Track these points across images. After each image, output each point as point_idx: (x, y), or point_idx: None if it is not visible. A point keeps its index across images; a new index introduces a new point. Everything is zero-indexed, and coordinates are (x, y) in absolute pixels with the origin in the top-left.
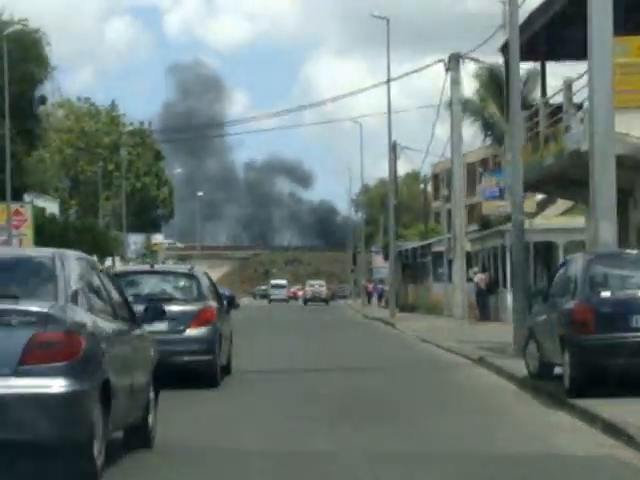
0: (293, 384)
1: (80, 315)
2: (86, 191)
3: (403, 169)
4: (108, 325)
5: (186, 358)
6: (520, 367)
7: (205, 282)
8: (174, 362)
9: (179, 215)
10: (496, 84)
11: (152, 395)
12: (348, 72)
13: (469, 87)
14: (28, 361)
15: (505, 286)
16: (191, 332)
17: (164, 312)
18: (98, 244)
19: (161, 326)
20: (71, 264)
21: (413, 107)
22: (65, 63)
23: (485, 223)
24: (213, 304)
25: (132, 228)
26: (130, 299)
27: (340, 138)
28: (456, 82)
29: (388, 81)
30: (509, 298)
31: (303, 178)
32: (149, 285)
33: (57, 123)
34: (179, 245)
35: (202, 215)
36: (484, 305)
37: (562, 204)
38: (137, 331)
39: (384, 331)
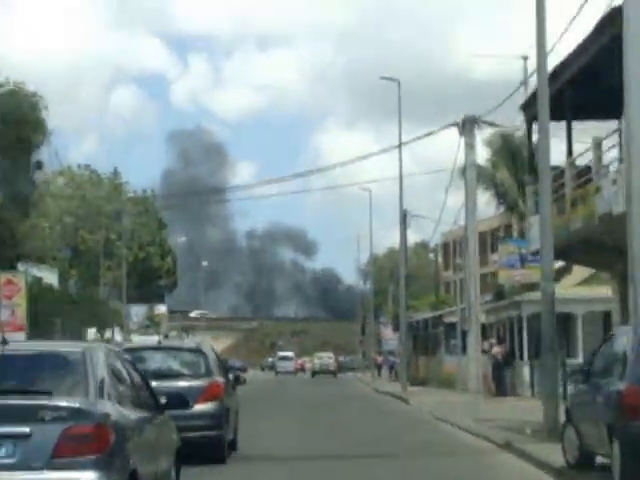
0: (300, 472)
1: (108, 408)
2: (87, 261)
3: (412, 238)
4: (134, 415)
5: (193, 434)
6: (554, 453)
7: (212, 357)
8: (182, 438)
9: (180, 284)
10: (509, 151)
11: (174, 476)
12: (355, 143)
13: (481, 155)
14: (60, 454)
15: (522, 359)
16: (198, 408)
17: (187, 402)
18: (97, 315)
19: None
20: (99, 358)
21: (423, 173)
22: (69, 131)
23: (498, 293)
24: (220, 379)
25: (135, 299)
26: None
27: (347, 207)
28: (470, 146)
29: (399, 145)
30: (526, 372)
31: (307, 247)
32: (157, 361)
33: (57, 191)
34: (212, 316)
35: (204, 284)
36: (500, 379)
37: (579, 274)
38: (160, 417)
39: (396, 408)
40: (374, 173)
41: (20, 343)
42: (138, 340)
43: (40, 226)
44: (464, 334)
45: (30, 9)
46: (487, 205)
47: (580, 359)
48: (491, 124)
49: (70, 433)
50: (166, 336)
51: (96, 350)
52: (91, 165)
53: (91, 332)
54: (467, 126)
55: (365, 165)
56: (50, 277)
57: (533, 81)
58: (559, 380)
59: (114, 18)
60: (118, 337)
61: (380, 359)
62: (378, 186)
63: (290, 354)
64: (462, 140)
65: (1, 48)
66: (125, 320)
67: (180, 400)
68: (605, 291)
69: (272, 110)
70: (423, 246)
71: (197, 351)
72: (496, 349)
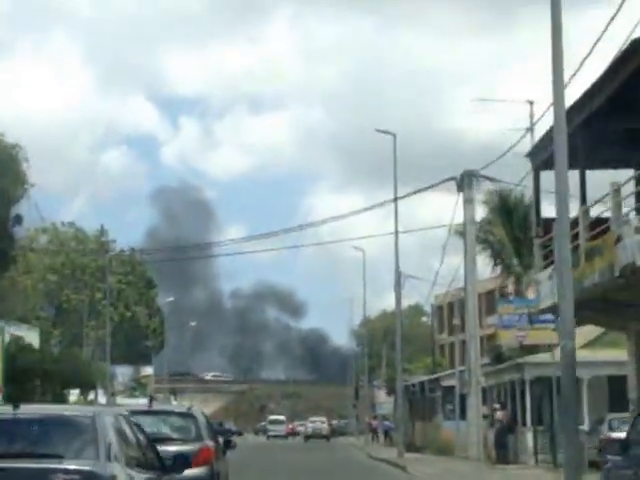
0: None
1: (117, 471)
2: (71, 320)
3: (405, 300)
4: (141, 476)
5: None
6: None
7: (202, 421)
8: None
9: (166, 345)
10: (504, 209)
11: None
12: (346, 206)
13: (477, 215)
14: None
15: (525, 424)
16: (189, 472)
17: (190, 464)
18: (80, 376)
19: None
20: (108, 422)
21: (416, 235)
22: (58, 190)
23: (497, 356)
24: (210, 444)
25: (120, 359)
26: None
27: (337, 268)
28: (469, 201)
29: (395, 199)
30: (529, 438)
31: (295, 308)
32: (147, 424)
33: (40, 247)
34: (227, 378)
35: (191, 346)
36: (503, 445)
37: (582, 337)
38: (165, 477)
39: (395, 476)
40: (365, 233)
41: (31, 407)
42: (125, 403)
43: (22, 283)
44: (462, 398)
45: (23, 68)
46: (482, 267)
47: (586, 425)
48: (490, 179)
49: None
50: (152, 398)
51: (105, 414)
52: (76, 223)
53: (74, 393)
54: (466, 181)
55: (356, 227)
56: (31, 336)
57: (538, 130)
58: (583, 448)
59: (107, 79)
60: (102, 399)
61: (375, 423)
62: (369, 249)
63: (281, 418)
64: (460, 196)
65: None
66: (110, 381)
67: (184, 462)
68: (611, 354)
69: (262, 173)
70: (416, 309)
71: (188, 415)
72: (500, 414)
